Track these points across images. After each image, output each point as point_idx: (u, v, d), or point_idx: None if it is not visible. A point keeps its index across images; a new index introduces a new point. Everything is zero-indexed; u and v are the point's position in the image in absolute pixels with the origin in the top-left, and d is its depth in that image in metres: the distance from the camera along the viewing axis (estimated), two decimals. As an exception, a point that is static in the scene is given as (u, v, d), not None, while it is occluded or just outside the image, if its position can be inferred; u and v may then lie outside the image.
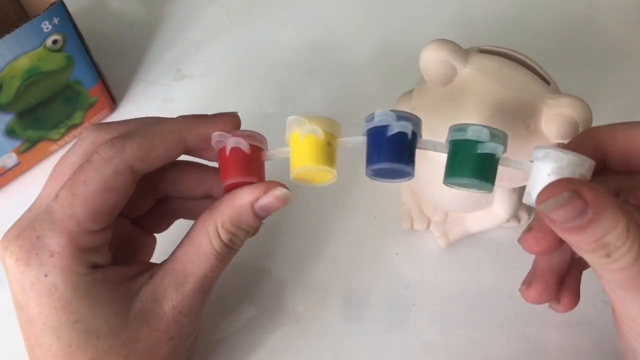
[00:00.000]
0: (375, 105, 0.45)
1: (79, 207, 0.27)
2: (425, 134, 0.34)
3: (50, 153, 0.43)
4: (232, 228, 0.29)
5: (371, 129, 0.27)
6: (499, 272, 0.40)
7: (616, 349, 0.38)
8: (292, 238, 0.41)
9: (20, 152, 0.41)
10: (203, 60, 0.48)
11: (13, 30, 0.35)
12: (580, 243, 0.25)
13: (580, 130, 0.31)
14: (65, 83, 0.40)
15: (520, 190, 0.38)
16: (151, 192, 0.33)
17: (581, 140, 0.29)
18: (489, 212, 0.38)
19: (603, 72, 0.47)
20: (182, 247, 0.30)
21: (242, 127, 0.46)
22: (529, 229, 0.29)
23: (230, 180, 0.29)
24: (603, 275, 0.26)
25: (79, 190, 0.27)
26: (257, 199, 0.29)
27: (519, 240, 0.29)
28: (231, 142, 0.29)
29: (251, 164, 0.29)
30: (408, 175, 0.27)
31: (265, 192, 0.29)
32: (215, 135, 0.30)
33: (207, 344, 0.37)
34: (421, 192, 0.39)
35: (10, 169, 0.42)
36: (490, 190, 0.27)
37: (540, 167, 0.26)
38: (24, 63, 0.36)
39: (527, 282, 0.31)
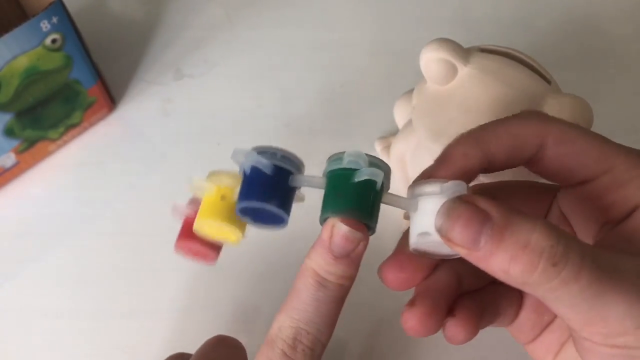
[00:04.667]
0: (375, 105, 0.45)
1: None
2: (426, 134, 0.34)
3: (49, 153, 0.43)
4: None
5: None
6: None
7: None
8: (291, 239, 0.41)
9: (19, 152, 0.41)
10: (203, 59, 0.47)
11: (12, 29, 0.34)
12: (513, 261, 0.21)
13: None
14: (64, 82, 0.40)
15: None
16: None
17: (466, 144, 0.25)
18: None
19: (604, 72, 0.47)
20: None
21: (240, 126, 0.47)
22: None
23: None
24: (558, 299, 0.22)
25: None
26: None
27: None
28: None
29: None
30: (282, 221, 0.24)
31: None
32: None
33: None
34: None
35: (9, 169, 0.42)
36: (372, 228, 0.24)
37: (427, 203, 0.23)
38: (22, 62, 0.36)
39: (411, 302, 0.26)
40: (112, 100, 0.45)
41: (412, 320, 0.25)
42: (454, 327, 0.26)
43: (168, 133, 0.45)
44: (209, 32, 0.49)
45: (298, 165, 0.24)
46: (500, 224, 0.21)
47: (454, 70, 0.33)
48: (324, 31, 0.49)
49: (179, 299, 0.39)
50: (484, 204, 0.22)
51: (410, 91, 0.37)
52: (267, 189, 0.24)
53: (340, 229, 0.23)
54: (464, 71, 0.33)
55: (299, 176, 0.24)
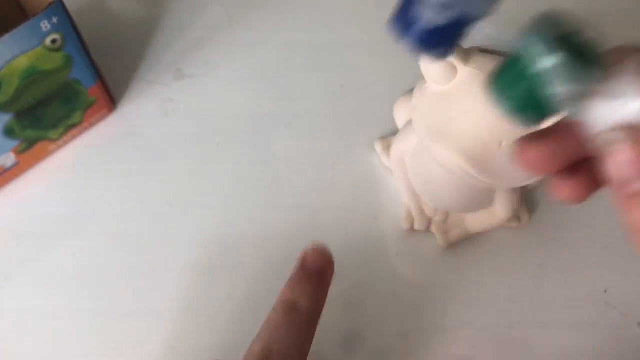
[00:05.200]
0: (375, 105, 0.45)
1: None
2: (426, 134, 0.34)
3: (49, 153, 0.43)
4: None
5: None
6: (499, 273, 0.40)
7: (618, 351, 0.38)
8: (291, 239, 0.41)
9: (18, 152, 0.41)
10: (203, 59, 0.47)
11: (12, 29, 0.34)
12: None
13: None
14: (64, 82, 0.40)
15: (521, 190, 0.37)
16: None
17: None
18: (489, 212, 0.38)
19: (604, 72, 0.47)
20: None
21: (240, 126, 0.47)
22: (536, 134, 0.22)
23: None
24: None
25: None
26: None
27: (517, 146, 0.22)
28: None
29: None
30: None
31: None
32: None
33: None
34: (422, 192, 0.39)
35: (9, 169, 0.42)
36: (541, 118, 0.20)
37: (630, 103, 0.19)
38: (22, 62, 0.36)
39: (532, 136, 0.22)
40: (112, 101, 0.45)
41: (534, 151, 0.22)
42: (567, 179, 0.22)
43: (168, 133, 0.45)
44: (209, 32, 0.49)
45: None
46: None
47: (454, 70, 0.33)
48: (323, 31, 0.49)
49: (179, 299, 0.39)
50: None
51: (410, 91, 0.37)
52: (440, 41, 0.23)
53: (312, 246, 0.28)
54: (464, 71, 0.33)
55: (484, 29, 0.22)
